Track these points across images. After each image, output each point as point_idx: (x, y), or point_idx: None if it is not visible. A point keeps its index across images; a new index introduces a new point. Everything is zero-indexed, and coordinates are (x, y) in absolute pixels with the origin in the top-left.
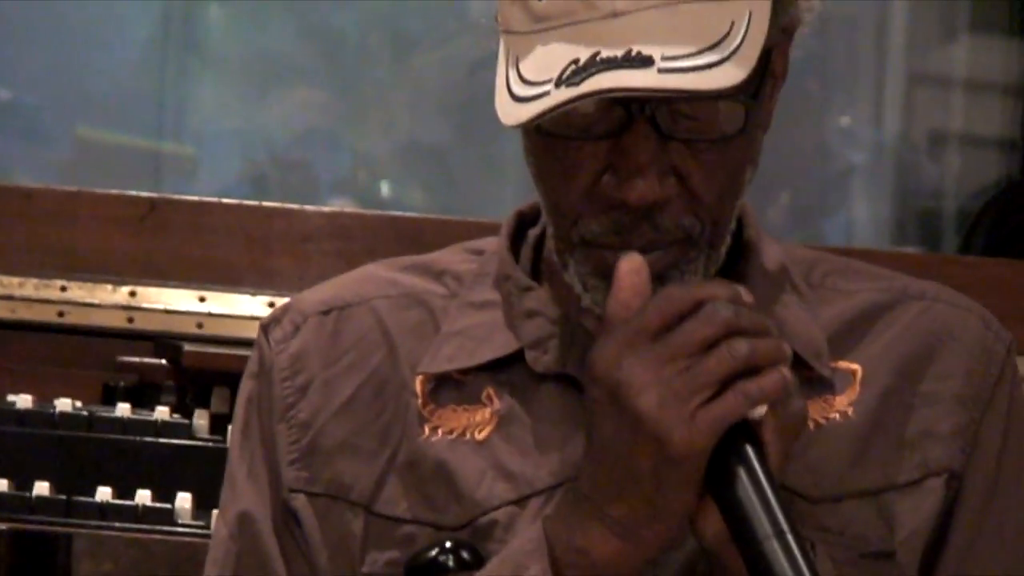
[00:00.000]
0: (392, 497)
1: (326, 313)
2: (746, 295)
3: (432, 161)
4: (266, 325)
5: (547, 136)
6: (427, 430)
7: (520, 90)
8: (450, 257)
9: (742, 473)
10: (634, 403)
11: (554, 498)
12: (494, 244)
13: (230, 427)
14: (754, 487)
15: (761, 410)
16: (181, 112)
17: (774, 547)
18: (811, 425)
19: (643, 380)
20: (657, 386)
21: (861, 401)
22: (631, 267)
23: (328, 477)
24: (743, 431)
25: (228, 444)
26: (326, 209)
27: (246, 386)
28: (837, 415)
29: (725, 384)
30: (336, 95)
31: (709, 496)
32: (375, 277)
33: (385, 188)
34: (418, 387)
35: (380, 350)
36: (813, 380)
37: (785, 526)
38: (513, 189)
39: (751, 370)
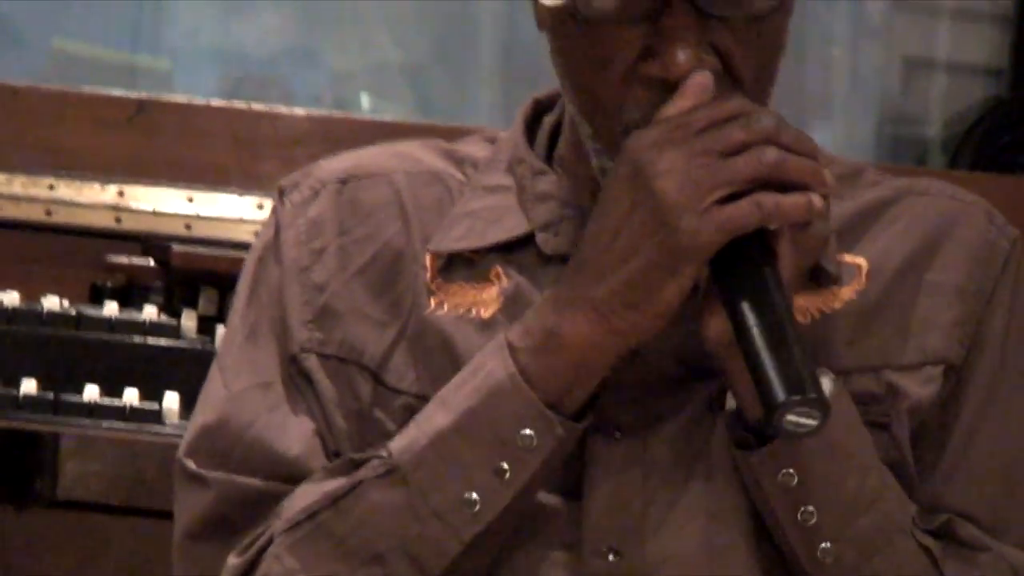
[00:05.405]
0: (398, 368)
1: (344, 182)
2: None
3: (409, 77)
4: (283, 188)
5: (583, 23)
6: (433, 303)
7: None
8: (469, 147)
9: (750, 282)
10: (653, 183)
11: None
12: (508, 134)
13: (232, 306)
14: (761, 297)
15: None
16: (157, 25)
17: (774, 357)
18: (817, 314)
19: (669, 165)
20: (681, 173)
21: (865, 292)
22: (700, 80)
23: (340, 339)
24: (757, 240)
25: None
26: (315, 112)
27: (259, 244)
28: (841, 305)
29: (751, 192)
30: (314, 12)
31: (718, 299)
32: (399, 153)
33: (365, 100)
34: (428, 262)
35: (395, 222)
36: (820, 274)
37: (791, 336)
38: (489, 104)
39: (781, 186)
